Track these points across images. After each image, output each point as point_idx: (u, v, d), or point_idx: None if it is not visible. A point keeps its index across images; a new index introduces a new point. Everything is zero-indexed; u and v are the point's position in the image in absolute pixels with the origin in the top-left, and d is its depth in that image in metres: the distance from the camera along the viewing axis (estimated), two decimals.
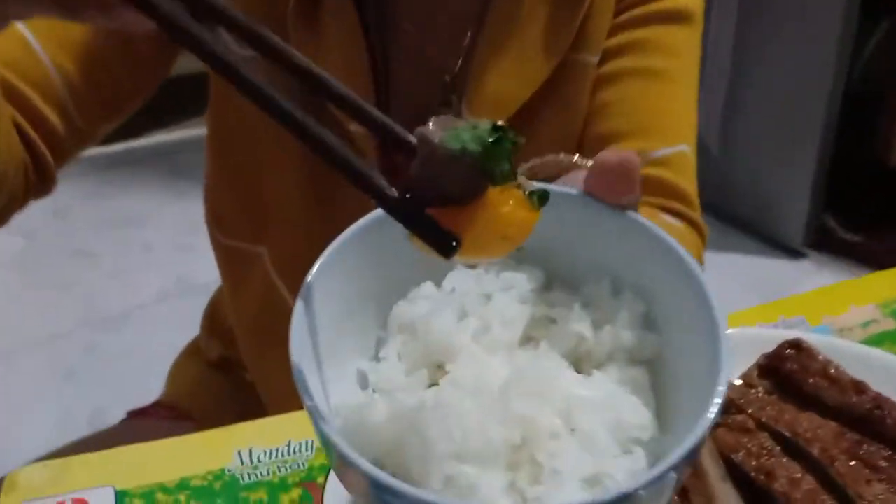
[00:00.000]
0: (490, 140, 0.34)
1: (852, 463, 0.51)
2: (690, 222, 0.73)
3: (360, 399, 0.38)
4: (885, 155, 2.09)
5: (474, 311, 0.39)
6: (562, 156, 0.55)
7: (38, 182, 0.68)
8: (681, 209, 0.72)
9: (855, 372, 0.58)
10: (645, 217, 0.40)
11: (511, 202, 0.35)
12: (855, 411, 0.55)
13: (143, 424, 0.89)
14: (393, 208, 0.35)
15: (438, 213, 0.35)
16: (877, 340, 0.70)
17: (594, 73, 0.72)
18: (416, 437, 0.35)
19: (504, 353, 0.39)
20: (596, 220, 0.41)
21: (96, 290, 2.04)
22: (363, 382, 0.40)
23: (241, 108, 0.71)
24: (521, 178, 0.36)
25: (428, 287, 0.41)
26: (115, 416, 0.90)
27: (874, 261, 1.91)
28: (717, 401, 0.34)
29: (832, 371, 0.57)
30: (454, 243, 0.34)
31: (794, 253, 2.12)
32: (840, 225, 2.13)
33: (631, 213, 0.40)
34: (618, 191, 0.40)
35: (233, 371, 0.91)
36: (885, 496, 0.48)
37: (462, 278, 0.41)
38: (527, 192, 0.36)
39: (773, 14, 2.08)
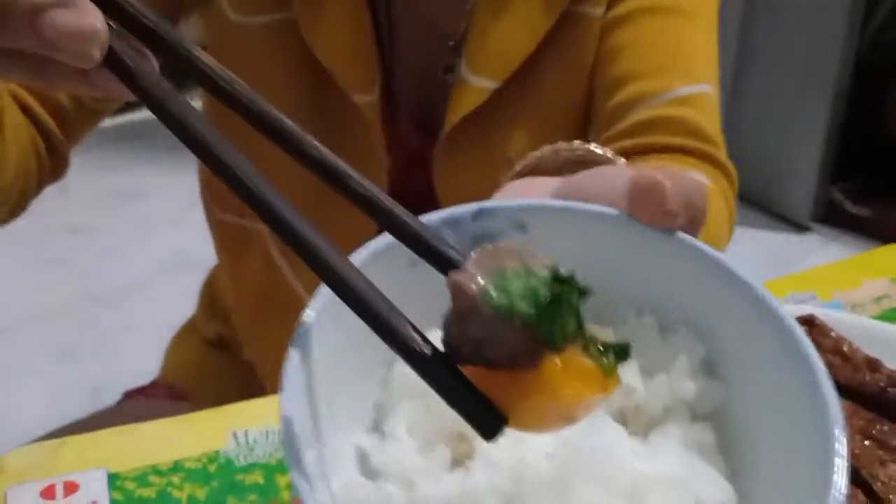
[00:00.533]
0: (548, 297, 0.27)
1: (866, 443, 0.49)
2: (716, 164, 0.69)
3: (369, 491, 0.31)
4: (893, 127, 2.06)
5: None
6: (576, 143, 0.51)
7: (52, 163, 0.67)
8: (706, 150, 0.68)
9: (868, 349, 0.56)
10: (670, 168, 0.35)
11: (577, 381, 0.27)
12: (868, 389, 0.54)
13: (140, 404, 0.88)
14: (423, 370, 0.28)
15: (481, 377, 0.27)
16: (891, 316, 0.68)
17: (597, 24, 0.69)
18: None
19: None
20: (636, 244, 0.33)
21: (94, 265, 2.04)
22: (363, 463, 0.33)
23: (239, 71, 0.69)
24: (590, 328, 0.28)
25: (434, 335, 0.32)
26: (112, 392, 0.89)
27: (881, 234, 1.90)
28: (839, 472, 0.27)
29: (845, 348, 0.56)
30: (500, 421, 0.27)
31: (800, 227, 2.11)
32: (847, 198, 2.11)
33: (680, 235, 0.33)
34: (669, 213, 0.33)
35: (230, 349, 0.90)
36: None
37: None
38: (600, 348, 0.28)
39: None
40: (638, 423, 0.33)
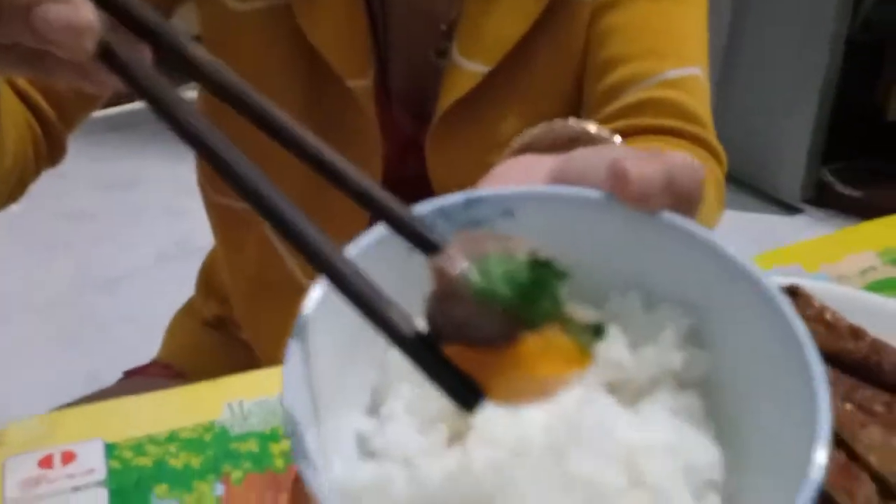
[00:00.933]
0: (528, 281, 0.28)
1: (848, 407, 0.50)
2: (705, 146, 0.69)
3: (370, 472, 0.31)
4: (884, 108, 2.07)
5: None
6: (571, 121, 0.52)
7: (49, 150, 0.68)
8: (695, 132, 0.68)
9: (852, 318, 0.57)
10: (660, 149, 0.36)
11: (554, 358, 0.28)
12: (852, 357, 0.55)
13: (139, 383, 0.88)
14: (405, 349, 0.29)
15: (461, 354, 0.28)
16: (876, 288, 0.69)
17: (587, 8, 0.70)
18: None
19: None
20: (620, 224, 0.34)
21: (93, 252, 2.04)
22: (362, 447, 0.34)
23: (235, 56, 0.69)
24: (572, 309, 0.29)
25: None
26: (111, 379, 0.90)
27: (872, 215, 1.90)
28: (823, 436, 0.28)
29: (828, 317, 0.56)
30: (478, 396, 0.28)
31: (791, 208, 2.12)
32: (838, 180, 2.12)
33: (664, 215, 0.34)
34: (648, 198, 0.34)
35: (228, 330, 0.91)
36: (882, 439, 0.48)
37: None
38: (578, 332, 0.29)
39: None
40: (627, 393, 0.34)
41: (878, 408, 0.51)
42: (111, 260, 2.01)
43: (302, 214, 0.30)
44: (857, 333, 0.56)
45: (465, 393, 0.28)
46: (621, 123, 0.67)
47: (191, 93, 0.73)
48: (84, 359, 1.69)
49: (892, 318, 0.59)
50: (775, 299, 0.32)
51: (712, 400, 0.34)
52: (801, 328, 0.31)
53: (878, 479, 0.46)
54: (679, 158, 0.34)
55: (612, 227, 0.34)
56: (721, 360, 0.34)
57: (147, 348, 0.93)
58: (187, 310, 0.96)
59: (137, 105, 2.54)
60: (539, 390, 0.29)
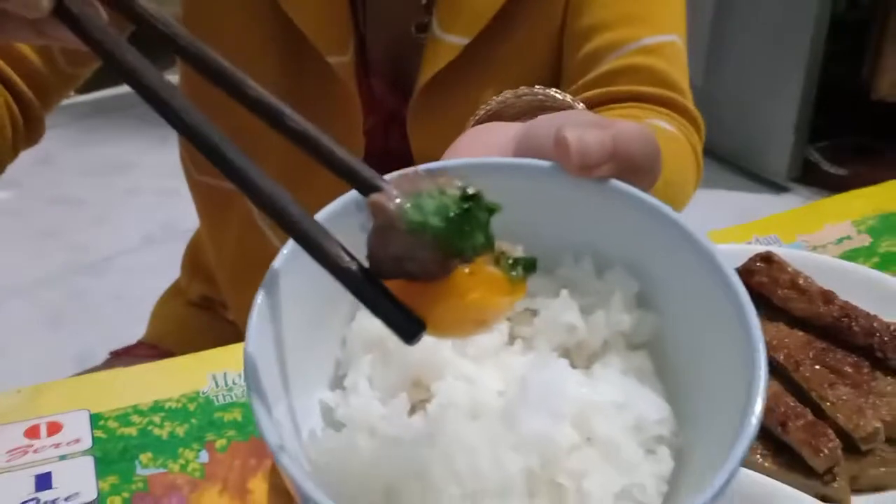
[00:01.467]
0: (457, 213, 0.29)
1: (817, 367, 0.51)
2: (682, 111, 0.70)
3: (336, 440, 0.33)
4: (870, 85, 2.08)
5: None
6: (537, 88, 0.53)
7: (27, 129, 0.67)
8: (672, 97, 0.69)
9: (826, 284, 0.58)
10: (638, 118, 0.36)
11: (483, 285, 0.29)
12: (823, 320, 0.56)
13: (125, 363, 0.89)
14: (349, 283, 0.30)
15: (401, 289, 0.30)
16: (850, 256, 0.70)
17: None
18: (417, 481, 0.30)
19: (492, 361, 0.34)
20: (570, 193, 0.35)
21: (81, 236, 2.04)
22: (328, 417, 0.35)
23: (214, 30, 0.70)
24: (502, 245, 0.30)
25: None
26: (99, 359, 0.91)
27: None
28: (760, 388, 0.29)
29: (801, 282, 0.58)
30: (418, 327, 0.29)
31: (778, 187, 2.13)
32: (824, 158, 2.13)
33: (612, 183, 0.35)
34: (590, 166, 0.34)
35: (213, 310, 0.91)
36: (849, 398, 0.49)
37: None
38: (509, 261, 0.30)
39: None
40: (580, 356, 0.35)
41: (847, 369, 0.53)
42: (99, 243, 2.02)
43: (250, 161, 0.32)
44: (828, 297, 0.57)
45: (407, 325, 0.29)
46: (599, 91, 0.67)
47: (174, 77, 0.73)
48: (72, 340, 1.70)
49: (861, 284, 0.60)
50: (716, 261, 0.33)
51: (661, 360, 0.35)
52: (740, 288, 0.32)
53: (843, 435, 0.47)
54: (629, 128, 0.35)
55: (563, 196, 0.36)
56: (668, 321, 0.35)
57: (134, 329, 0.94)
58: (173, 291, 0.96)
59: (123, 89, 2.53)
60: (474, 318, 0.30)
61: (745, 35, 2.12)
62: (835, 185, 2.02)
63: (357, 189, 0.32)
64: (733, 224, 0.77)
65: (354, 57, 0.70)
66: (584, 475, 0.30)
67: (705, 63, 2.13)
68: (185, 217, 0.98)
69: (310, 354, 0.35)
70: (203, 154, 0.31)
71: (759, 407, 0.29)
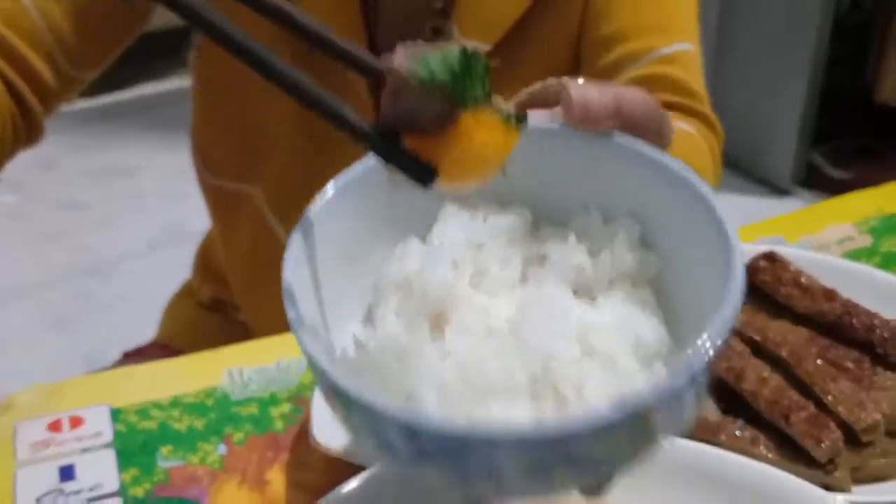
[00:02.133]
0: (460, 67, 0.33)
1: (819, 362, 0.52)
2: (702, 118, 0.72)
3: (363, 360, 0.36)
4: (873, 89, 2.09)
5: (467, 260, 0.38)
6: (550, 80, 0.55)
7: (27, 131, 0.68)
8: (692, 105, 0.71)
9: (828, 282, 0.60)
10: (608, 83, 0.39)
11: (486, 127, 0.34)
12: (825, 317, 0.57)
13: (139, 362, 0.90)
14: (366, 142, 0.34)
15: (414, 144, 0.34)
16: (852, 256, 0.71)
17: None
18: (434, 390, 0.33)
19: (506, 294, 0.37)
20: (578, 150, 0.39)
21: (86, 239, 2.06)
22: (360, 350, 0.38)
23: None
24: (498, 101, 0.35)
25: (414, 243, 0.39)
26: (108, 361, 0.92)
27: None
28: (734, 297, 0.32)
29: (803, 280, 0.59)
30: (431, 172, 0.34)
31: (781, 190, 2.14)
32: (827, 161, 2.14)
33: (615, 136, 0.38)
34: (593, 119, 0.38)
35: (225, 311, 0.92)
36: (850, 392, 0.50)
37: (449, 229, 0.39)
38: (504, 115, 0.35)
39: None
40: (586, 293, 0.38)
41: (849, 364, 0.54)
42: (103, 247, 2.04)
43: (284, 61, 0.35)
44: (830, 295, 0.58)
45: (421, 171, 0.34)
46: None
47: (183, 81, 0.75)
48: (79, 342, 1.72)
49: (863, 282, 0.61)
50: (710, 202, 0.36)
51: (663, 297, 0.38)
52: (732, 234, 0.35)
53: (844, 428, 0.48)
54: (632, 90, 0.39)
55: (572, 154, 0.39)
56: (668, 262, 0.39)
57: (141, 331, 0.95)
58: (184, 292, 0.97)
59: (128, 94, 2.56)
60: (479, 158, 0.35)
61: (748, 39, 2.13)
62: (838, 188, 2.03)
63: (367, 74, 0.36)
64: (737, 226, 0.78)
65: (366, 47, 0.71)
66: (583, 383, 0.33)
67: (710, 67, 2.14)
68: (190, 220, 0.99)
69: (343, 291, 0.38)
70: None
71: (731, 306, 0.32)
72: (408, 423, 0.30)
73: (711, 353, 0.31)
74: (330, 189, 0.38)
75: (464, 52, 0.33)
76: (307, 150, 0.74)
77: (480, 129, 0.34)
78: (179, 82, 2.50)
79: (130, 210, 2.17)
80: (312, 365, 0.32)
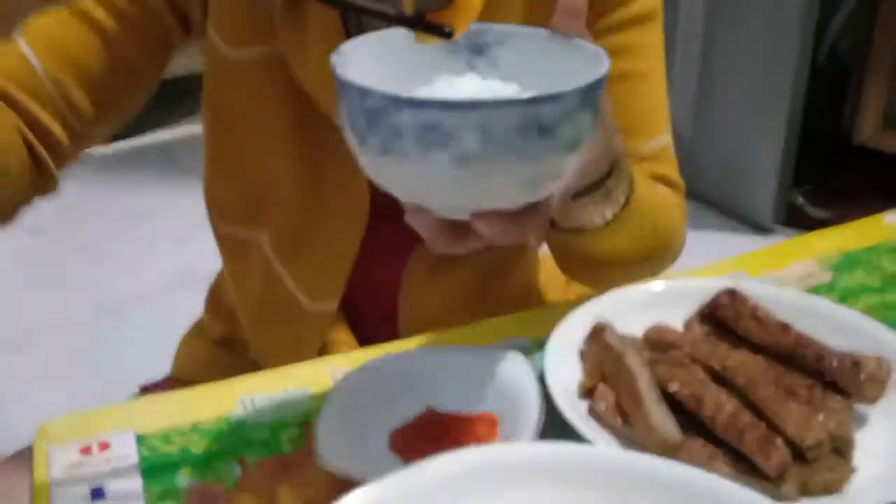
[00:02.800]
0: None
1: (773, 388, 0.58)
2: (680, 205, 0.82)
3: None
4: (851, 132, 2.17)
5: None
6: None
7: (41, 183, 0.71)
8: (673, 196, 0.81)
9: (784, 316, 0.66)
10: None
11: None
12: (780, 348, 0.63)
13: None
14: (404, 21, 0.50)
15: (433, 17, 0.49)
16: (813, 291, 0.77)
17: None
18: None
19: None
20: (560, 49, 0.54)
21: (103, 281, 2.13)
22: None
23: (234, 100, 0.77)
24: None
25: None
26: (124, 397, 0.96)
27: None
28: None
29: (760, 314, 0.65)
30: (450, 29, 0.49)
31: (764, 230, 2.20)
32: (808, 202, 2.21)
33: (575, 39, 0.54)
34: (571, 26, 0.53)
35: (235, 347, 0.97)
36: (798, 413, 0.56)
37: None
38: None
39: (740, 1, 2.16)
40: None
41: (801, 391, 0.60)
42: (119, 289, 2.10)
43: None
44: (784, 328, 0.64)
45: (443, 31, 0.49)
46: None
47: (195, 127, 0.80)
48: (99, 380, 1.76)
49: (816, 316, 0.68)
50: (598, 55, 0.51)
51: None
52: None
53: (792, 444, 0.54)
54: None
55: (555, 51, 0.54)
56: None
57: (156, 370, 0.99)
58: (197, 329, 1.02)
59: (144, 140, 2.64)
60: (472, 12, 0.50)
61: (729, 86, 2.22)
62: (818, 227, 2.10)
63: None
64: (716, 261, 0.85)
65: None
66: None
67: (692, 111, 2.23)
68: (203, 264, 1.04)
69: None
70: None
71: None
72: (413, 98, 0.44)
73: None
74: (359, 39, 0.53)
75: None
76: (306, 202, 0.79)
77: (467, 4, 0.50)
78: (193, 128, 2.58)
79: (145, 253, 2.24)
80: (349, 92, 0.46)
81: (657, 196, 0.77)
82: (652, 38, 0.80)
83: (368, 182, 0.78)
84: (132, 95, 0.76)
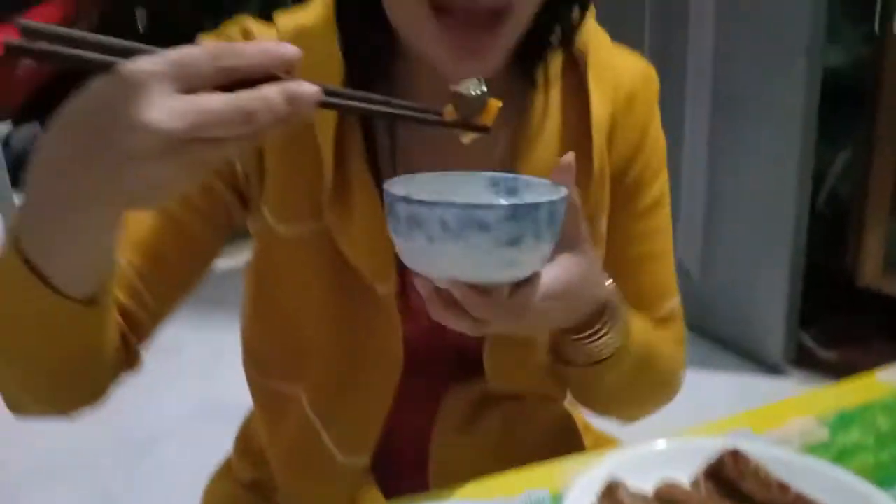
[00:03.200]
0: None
1: None
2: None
3: None
4: (854, 275, 2.22)
5: None
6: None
7: (129, 360, 0.76)
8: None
9: (784, 475, 0.71)
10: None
11: (494, 105, 0.63)
12: None
13: None
14: (454, 124, 0.63)
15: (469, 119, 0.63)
16: (811, 449, 0.82)
17: None
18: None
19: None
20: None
21: (131, 415, 2.14)
22: None
23: (280, 268, 0.83)
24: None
25: None
26: None
27: (848, 376, 2.02)
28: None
29: (761, 474, 0.71)
30: (486, 127, 0.63)
31: (775, 369, 2.23)
32: (816, 343, 2.25)
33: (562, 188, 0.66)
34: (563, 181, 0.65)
35: (265, 493, 0.98)
36: None
37: None
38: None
39: (741, 150, 2.27)
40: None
41: None
42: (144, 424, 2.13)
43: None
44: (783, 489, 0.70)
45: (485, 128, 0.64)
46: None
47: (222, 263, 0.86)
48: None
49: (814, 475, 0.72)
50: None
51: None
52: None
53: None
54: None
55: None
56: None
57: (181, 501, 1.02)
58: (224, 471, 1.03)
59: None
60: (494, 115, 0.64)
61: (734, 230, 2.30)
62: (827, 369, 2.12)
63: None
64: (734, 404, 0.92)
65: (397, 284, 0.81)
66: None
67: (700, 255, 2.31)
68: (227, 398, 1.07)
69: None
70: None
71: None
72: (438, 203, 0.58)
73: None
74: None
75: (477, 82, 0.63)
76: (343, 361, 0.84)
77: (493, 106, 0.63)
78: (219, 262, 2.63)
79: (171, 388, 2.27)
80: (394, 204, 0.60)
81: (656, 342, 0.86)
82: (664, 220, 0.89)
83: (402, 339, 0.83)
84: (201, 272, 0.83)
